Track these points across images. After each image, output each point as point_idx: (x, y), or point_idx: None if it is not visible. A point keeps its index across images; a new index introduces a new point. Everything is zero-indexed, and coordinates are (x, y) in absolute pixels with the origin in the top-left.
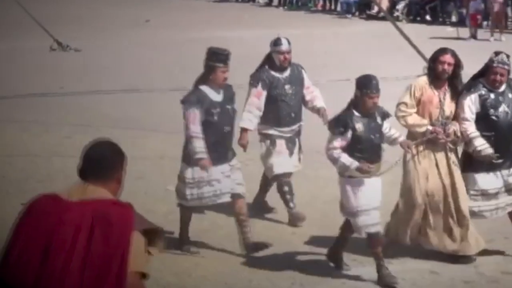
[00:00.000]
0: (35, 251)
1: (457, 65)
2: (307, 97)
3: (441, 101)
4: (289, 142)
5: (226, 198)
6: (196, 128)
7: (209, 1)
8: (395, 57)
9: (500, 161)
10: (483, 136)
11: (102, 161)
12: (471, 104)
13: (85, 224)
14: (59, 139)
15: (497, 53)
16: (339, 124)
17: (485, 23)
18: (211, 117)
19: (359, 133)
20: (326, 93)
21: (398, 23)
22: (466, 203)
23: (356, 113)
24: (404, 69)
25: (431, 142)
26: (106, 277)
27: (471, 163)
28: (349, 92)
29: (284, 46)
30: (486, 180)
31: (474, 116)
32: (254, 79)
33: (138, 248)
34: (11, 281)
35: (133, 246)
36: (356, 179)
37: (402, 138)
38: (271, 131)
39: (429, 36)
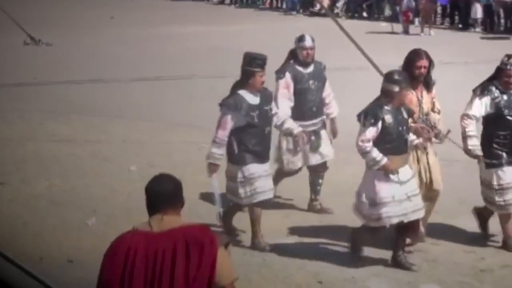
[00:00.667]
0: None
1: (430, 64)
2: (326, 100)
3: (419, 99)
4: (311, 135)
5: (270, 195)
6: (222, 135)
7: (167, 0)
8: (335, 50)
9: None
10: (499, 134)
11: (173, 194)
12: (480, 105)
13: (180, 251)
14: (32, 125)
15: (509, 56)
16: (370, 116)
17: (416, 19)
18: (252, 120)
19: (388, 125)
20: (274, 82)
21: (338, 19)
22: (439, 185)
23: (386, 106)
24: (344, 60)
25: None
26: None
27: (493, 161)
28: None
29: (308, 43)
30: (508, 174)
31: (479, 117)
32: (281, 72)
33: (227, 261)
34: None
35: (224, 260)
36: (383, 172)
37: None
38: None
39: (365, 31)
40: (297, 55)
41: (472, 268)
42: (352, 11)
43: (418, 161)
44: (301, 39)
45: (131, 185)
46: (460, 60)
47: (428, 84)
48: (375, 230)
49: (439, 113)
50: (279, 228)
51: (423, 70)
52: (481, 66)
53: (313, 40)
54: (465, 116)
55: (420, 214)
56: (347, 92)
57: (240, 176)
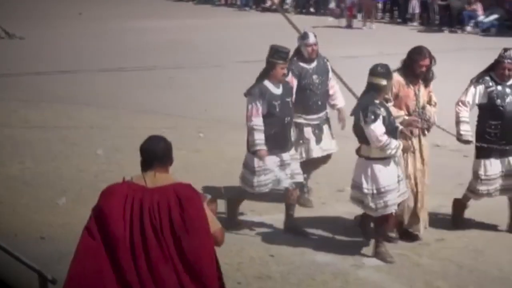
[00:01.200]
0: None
1: (431, 61)
2: (330, 91)
3: (416, 93)
4: (316, 129)
5: (287, 184)
6: (257, 121)
7: None
8: (284, 42)
9: (507, 147)
10: (491, 124)
11: (164, 153)
12: (475, 93)
13: (173, 204)
14: (7, 113)
15: (506, 50)
16: (369, 113)
17: (359, 14)
18: (273, 109)
19: (383, 117)
20: (228, 72)
21: (288, 14)
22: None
23: (377, 102)
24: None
25: (409, 130)
26: (200, 233)
27: (484, 151)
28: (245, 71)
29: (311, 39)
30: (494, 166)
31: (472, 104)
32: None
33: (211, 213)
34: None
35: (209, 212)
36: (386, 159)
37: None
38: (300, 120)
39: (313, 25)
40: (301, 52)
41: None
42: (301, 7)
43: (413, 151)
44: (304, 36)
45: (98, 166)
46: (399, 51)
47: (426, 80)
48: (385, 218)
49: (435, 105)
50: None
51: (424, 69)
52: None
53: (315, 36)
54: (459, 102)
55: (405, 197)
56: None
57: (256, 166)
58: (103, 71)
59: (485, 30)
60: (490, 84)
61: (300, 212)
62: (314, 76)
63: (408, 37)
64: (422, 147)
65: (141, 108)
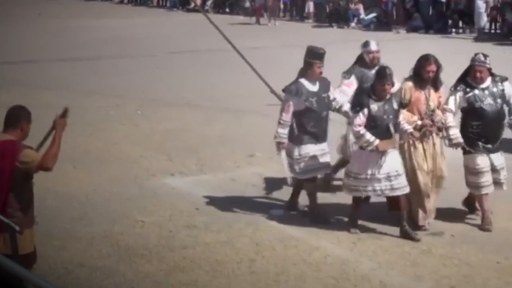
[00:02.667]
0: None
1: (438, 68)
2: None
3: (426, 97)
4: None
5: (325, 171)
6: (286, 117)
7: (80, 0)
8: (205, 37)
9: (489, 146)
10: (472, 125)
11: (11, 116)
12: (455, 100)
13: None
14: None
15: (476, 54)
16: (355, 104)
17: (265, 13)
18: (311, 105)
19: (374, 113)
20: (160, 61)
21: (208, 14)
22: (445, 171)
23: (373, 97)
24: (214, 44)
25: (422, 133)
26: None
27: (469, 148)
28: (174, 59)
29: (373, 47)
30: (483, 161)
31: (455, 110)
32: (347, 73)
33: (28, 152)
34: None
35: (25, 153)
36: (375, 151)
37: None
38: None
39: (228, 23)
40: (363, 59)
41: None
42: (218, 7)
43: (424, 150)
44: (366, 44)
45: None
46: (297, 43)
47: (436, 85)
48: (356, 199)
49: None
50: (168, 168)
51: (431, 74)
52: None
53: (377, 44)
54: (443, 109)
55: (400, 192)
56: (213, 69)
57: (297, 154)
58: (59, 60)
59: (366, 26)
60: (467, 89)
61: (217, 173)
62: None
63: (304, 31)
64: (435, 145)
65: (91, 90)
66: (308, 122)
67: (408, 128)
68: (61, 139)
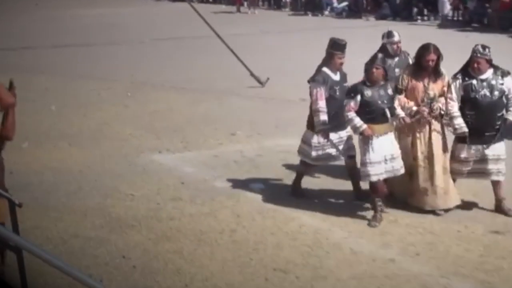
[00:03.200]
0: None
1: (438, 57)
2: None
3: (425, 86)
4: None
5: (344, 157)
6: (322, 104)
7: None
8: (192, 25)
9: (482, 136)
10: (467, 114)
11: None
12: (454, 88)
13: None
14: None
15: (476, 45)
16: (350, 91)
17: (245, 2)
18: (334, 93)
19: (367, 99)
20: (148, 47)
21: (192, 3)
22: (440, 166)
23: (367, 83)
24: (198, 31)
25: (417, 119)
26: None
27: (462, 137)
28: (160, 45)
29: (396, 38)
30: (469, 151)
31: (458, 98)
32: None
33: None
34: None
35: None
36: (367, 137)
37: (401, 114)
38: None
39: (211, 11)
40: (386, 49)
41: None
42: None
43: (419, 136)
44: (389, 35)
45: (51, 119)
46: (275, 30)
47: (436, 74)
48: (371, 184)
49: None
50: (156, 146)
51: (431, 63)
52: (289, 34)
53: (399, 35)
54: (448, 98)
55: (392, 174)
56: (197, 54)
57: (315, 141)
58: (54, 47)
59: (338, 14)
60: (466, 78)
61: (201, 150)
62: (396, 70)
63: (281, 19)
64: (431, 133)
65: (84, 74)
66: (331, 110)
67: (400, 113)
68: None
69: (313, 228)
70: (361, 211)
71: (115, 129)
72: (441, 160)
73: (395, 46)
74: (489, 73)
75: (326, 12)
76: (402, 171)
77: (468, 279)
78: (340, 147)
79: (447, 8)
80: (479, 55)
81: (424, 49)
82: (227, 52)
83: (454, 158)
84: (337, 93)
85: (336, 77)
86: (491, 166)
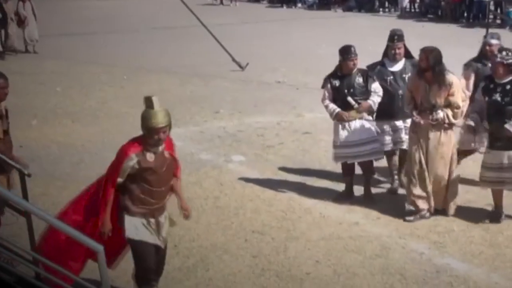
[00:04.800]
0: None
1: (433, 63)
2: None
3: (426, 90)
4: None
5: (388, 148)
6: (378, 88)
7: None
8: (181, 16)
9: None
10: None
11: None
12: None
13: None
14: None
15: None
16: (323, 80)
17: None
18: (386, 84)
19: (335, 87)
20: (143, 35)
21: None
22: (441, 171)
23: (338, 73)
24: (187, 21)
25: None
26: None
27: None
28: (154, 34)
29: (494, 41)
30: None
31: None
32: (467, 66)
33: None
34: None
35: None
36: (342, 122)
37: (369, 103)
38: None
39: (197, 4)
40: (484, 52)
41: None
42: None
43: (421, 139)
44: (491, 36)
45: (57, 99)
46: (254, 20)
47: (440, 82)
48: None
49: (457, 107)
50: None
51: (422, 65)
52: (267, 24)
53: (498, 38)
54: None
55: (366, 158)
56: (186, 41)
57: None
58: (60, 35)
59: (310, 6)
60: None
61: (188, 126)
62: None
63: (259, 11)
64: (429, 140)
65: (86, 60)
66: (383, 100)
67: (369, 102)
68: None
69: (287, 195)
70: (331, 181)
71: (113, 107)
72: (438, 169)
73: (489, 49)
74: (507, 78)
75: (299, 5)
76: (374, 157)
77: (423, 240)
78: (387, 138)
79: (405, 1)
80: (497, 58)
81: (421, 51)
82: (212, 40)
83: (482, 164)
84: (391, 83)
85: (394, 67)
86: (508, 175)
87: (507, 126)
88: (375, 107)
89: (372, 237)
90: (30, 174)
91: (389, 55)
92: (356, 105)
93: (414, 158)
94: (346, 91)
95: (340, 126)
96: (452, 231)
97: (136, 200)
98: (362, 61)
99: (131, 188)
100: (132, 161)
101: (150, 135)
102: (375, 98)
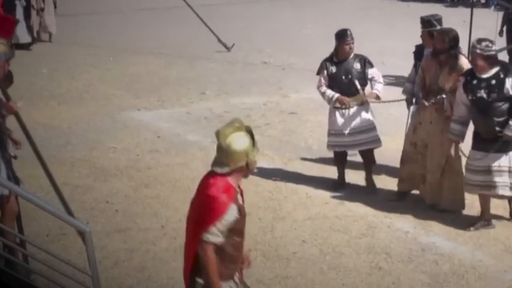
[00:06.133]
0: None
1: (449, 46)
2: None
3: (436, 71)
4: None
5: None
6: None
7: None
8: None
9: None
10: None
11: None
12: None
13: None
14: None
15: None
16: (319, 67)
17: None
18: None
19: (331, 74)
20: (128, 16)
21: None
22: (438, 159)
23: (334, 59)
24: (172, 2)
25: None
26: None
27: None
28: (139, 15)
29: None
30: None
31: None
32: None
33: None
34: None
35: None
36: (339, 109)
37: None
38: None
39: None
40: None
41: None
42: None
43: (421, 123)
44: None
45: (43, 81)
46: (238, 1)
47: (451, 65)
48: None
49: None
50: (135, 105)
51: (436, 49)
52: (252, 4)
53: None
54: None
55: (365, 147)
56: (171, 22)
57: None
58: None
59: None
60: (469, 77)
61: (175, 108)
62: None
63: None
64: (432, 122)
65: (71, 42)
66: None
67: (376, 89)
68: None
69: (273, 176)
70: (317, 161)
71: (99, 89)
72: (435, 157)
73: None
74: (491, 72)
75: None
76: (373, 146)
77: (408, 219)
78: None
79: None
80: (476, 50)
81: (437, 33)
82: (197, 20)
83: (466, 166)
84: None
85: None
86: (496, 179)
87: (507, 132)
88: (381, 95)
89: (358, 216)
90: (16, 156)
91: (425, 43)
92: (361, 90)
93: (411, 139)
94: (343, 77)
95: (337, 113)
96: (437, 210)
97: (227, 259)
98: None
99: (222, 246)
100: (233, 211)
101: (249, 169)
102: (378, 86)
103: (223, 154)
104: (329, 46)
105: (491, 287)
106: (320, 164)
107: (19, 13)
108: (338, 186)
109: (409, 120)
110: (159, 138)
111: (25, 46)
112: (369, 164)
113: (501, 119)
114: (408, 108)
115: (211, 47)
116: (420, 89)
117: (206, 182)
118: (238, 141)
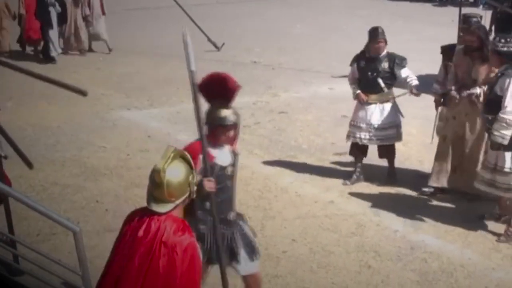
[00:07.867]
0: None
1: (481, 39)
2: None
3: (468, 65)
4: None
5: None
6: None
7: None
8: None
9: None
10: None
11: None
12: None
13: None
14: None
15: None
16: (352, 59)
17: None
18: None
19: (360, 68)
20: (118, 17)
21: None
22: (475, 149)
23: (366, 54)
24: (162, 2)
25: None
26: None
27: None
28: (127, 16)
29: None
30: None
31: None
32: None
33: None
34: None
35: None
36: (361, 103)
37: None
38: None
39: None
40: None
41: None
42: None
43: (455, 117)
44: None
45: (33, 80)
46: (227, 1)
47: (482, 57)
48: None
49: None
50: (125, 104)
51: (469, 44)
52: (242, 4)
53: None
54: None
55: (381, 143)
56: (161, 22)
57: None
58: None
59: None
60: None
61: (164, 107)
62: None
63: None
64: (469, 122)
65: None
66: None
67: (414, 82)
68: None
69: (263, 175)
70: (307, 160)
71: (89, 89)
72: (472, 147)
73: None
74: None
75: None
76: (390, 142)
77: (398, 217)
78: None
79: None
80: (493, 47)
81: (464, 30)
82: (187, 20)
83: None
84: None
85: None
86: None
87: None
88: (416, 91)
89: (347, 215)
90: (6, 156)
91: (461, 41)
92: (385, 88)
93: (442, 134)
94: (369, 73)
95: (360, 106)
96: (426, 208)
97: None
98: (337, 41)
99: None
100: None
101: (191, 195)
102: (415, 83)
103: (163, 191)
104: (318, 45)
105: (480, 285)
106: (310, 163)
107: (53, 20)
108: (354, 180)
109: (437, 121)
110: (149, 137)
111: (53, 59)
112: (390, 157)
113: (489, 116)
114: (437, 108)
115: (200, 47)
116: (453, 84)
117: (147, 229)
118: (178, 172)
